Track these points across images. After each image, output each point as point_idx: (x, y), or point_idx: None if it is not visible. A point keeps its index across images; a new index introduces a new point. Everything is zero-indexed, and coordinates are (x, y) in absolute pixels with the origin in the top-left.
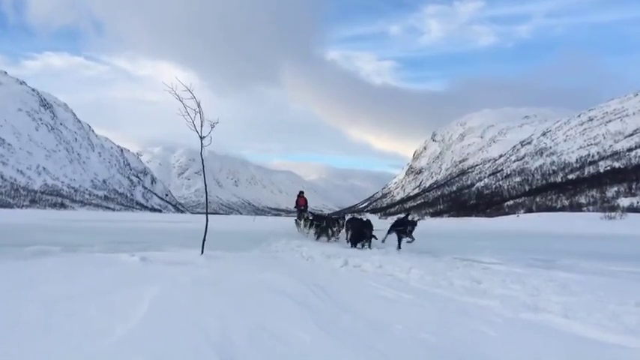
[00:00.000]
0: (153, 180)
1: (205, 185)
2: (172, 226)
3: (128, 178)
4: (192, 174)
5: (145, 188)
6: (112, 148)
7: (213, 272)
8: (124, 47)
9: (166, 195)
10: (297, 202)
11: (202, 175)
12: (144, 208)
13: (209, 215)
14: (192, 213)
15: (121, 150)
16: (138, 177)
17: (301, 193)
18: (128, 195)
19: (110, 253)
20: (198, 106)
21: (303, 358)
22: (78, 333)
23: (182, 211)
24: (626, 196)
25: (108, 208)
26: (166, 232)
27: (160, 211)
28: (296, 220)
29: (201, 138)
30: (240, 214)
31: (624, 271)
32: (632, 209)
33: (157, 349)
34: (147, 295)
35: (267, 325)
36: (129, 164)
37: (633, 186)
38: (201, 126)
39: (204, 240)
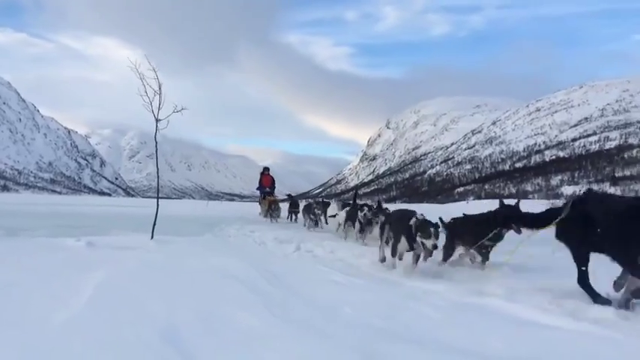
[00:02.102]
0: (102, 163)
1: (157, 169)
2: (122, 211)
3: (76, 160)
4: (143, 157)
5: (94, 171)
6: (58, 129)
7: (162, 257)
8: (70, 24)
9: (116, 179)
10: (260, 181)
11: (154, 159)
12: (92, 191)
13: (161, 200)
14: (144, 197)
15: (69, 131)
16: (86, 160)
17: (265, 170)
18: (76, 178)
19: (55, 237)
20: (160, 87)
21: (252, 342)
22: (16, 320)
23: (133, 196)
24: (569, 185)
25: (54, 191)
26: (115, 216)
27: (109, 195)
28: (260, 203)
29: (157, 120)
30: (193, 198)
31: (567, 256)
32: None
33: (100, 335)
34: (92, 280)
35: (217, 311)
36: (76, 146)
37: (576, 175)
38: (159, 108)
39: (154, 224)
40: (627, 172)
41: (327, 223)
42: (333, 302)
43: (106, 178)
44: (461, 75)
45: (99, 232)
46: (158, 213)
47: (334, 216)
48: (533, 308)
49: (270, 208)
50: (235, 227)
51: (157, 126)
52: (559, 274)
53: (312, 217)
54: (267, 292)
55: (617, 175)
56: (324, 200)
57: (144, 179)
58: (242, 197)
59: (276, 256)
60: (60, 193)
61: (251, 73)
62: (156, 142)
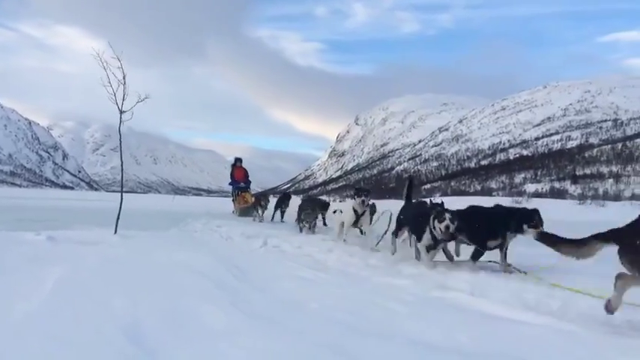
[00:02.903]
0: (64, 156)
1: (122, 162)
2: (84, 205)
3: (37, 153)
4: (107, 150)
5: (56, 164)
6: (19, 120)
7: (126, 252)
8: (32, 12)
9: (79, 172)
10: (232, 174)
11: (119, 152)
12: (54, 185)
13: (125, 194)
14: (107, 191)
15: (29, 123)
16: (48, 152)
17: (238, 161)
18: (37, 171)
19: (14, 231)
20: (124, 77)
21: (217, 339)
22: None
23: (96, 189)
24: (532, 183)
25: (14, 184)
26: (78, 210)
27: (72, 188)
28: (233, 200)
29: (121, 112)
30: (159, 193)
31: (527, 253)
32: (536, 195)
33: (60, 330)
34: (52, 275)
35: (181, 306)
36: (38, 138)
37: (539, 173)
38: (123, 99)
39: (117, 219)
40: (587, 171)
41: (325, 224)
42: (299, 298)
43: (68, 172)
44: (429, 73)
45: (60, 227)
46: (122, 207)
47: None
48: (497, 303)
49: (260, 205)
50: (202, 222)
51: (121, 117)
52: (521, 269)
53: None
54: (234, 287)
55: (577, 173)
56: (319, 199)
57: (108, 173)
58: (209, 192)
59: (243, 251)
60: (20, 186)
61: (220, 67)
62: (120, 134)
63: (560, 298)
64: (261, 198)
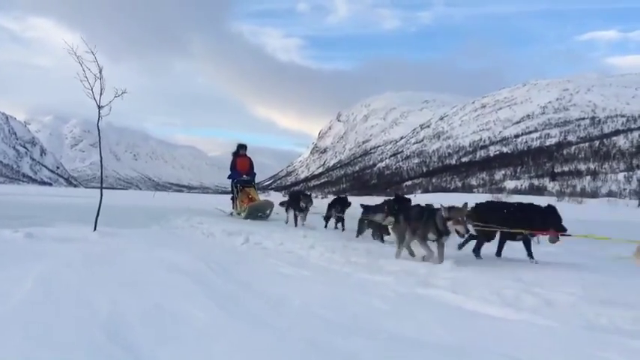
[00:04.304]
0: (42, 151)
1: (101, 158)
2: (63, 201)
3: (14, 148)
4: (86, 146)
5: (34, 160)
6: None
7: (106, 249)
8: (4, 4)
9: (57, 168)
10: (233, 165)
11: (98, 147)
12: (32, 181)
13: (105, 190)
14: (87, 187)
15: (6, 117)
16: (25, 147)
17: (241, 149)
18: (14, 167)
19: None
20: (100, 72)
21: (198, 336)
22: None
23: (75, 185)
24: (512, 179)
25: None
26: (56, 207)
27: (50, 184)
28: (232, 198)
29: (99, 107)
30: (140, 189)
31: (508, 249)
32: (516, 191)
33: (39, 329)
34: (31, 272)
35: (162, 304)
36: (15, 133)
37: (518, 170)
38: (101, 94)
39: (97, 215)
40: (565, 168)
41: (342, 228)
42: (281, 295)
43: (46, 167)
44: (410, 70)
45: (38, 223)
46: (102, 204)
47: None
48: (476, 299)
49: (298, 206)
50: (183, 219)
51: (99, 113)
52: (501, 266)
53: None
54: (215, 284)
55: (556, 170)
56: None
57: (87, 169)
58: (190, 188)
59: (225, 248)
60: None
61: (201, 62)
62: (99, 130)
63: (538, 294)
64: (302, 197)
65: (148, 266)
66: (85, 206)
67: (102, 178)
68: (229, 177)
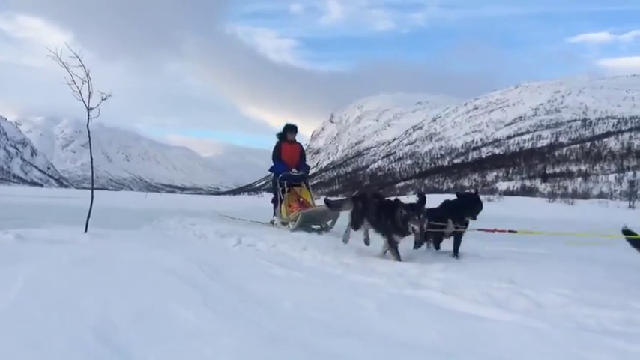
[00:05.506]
0: (33, 152)
1: (92, 159)
2: (54, 202)
3: (4, 149)
4: (78, 147)
5: (24, 160)
6: None
7: (96, 251)
8: None
9: (48, 168)
10: (276, 152)
11: (89, 148)
12: (22, 182)
13: (97, 191)
14: (78, 188)
15: None
16: (16, 148)
17: (289, 131)
18: (4, 167)
19: None
20: (87, 75)
21: (188, 338)
22: None
23: (66, 186)
24: (504, 181)
25: None
26: (47, 208)
27: (41, 185)
28: (273, 201)
29: (89, 109)
30: (132, 190)
31: (499, 250)
32: (508, 193)
33: (28, 332)
34: (20, 275)
35: (152, 306)
36: (5, 134)
37: (510, 171)
38: (89, 97)
39: (88, 217)
40: (557, 170)
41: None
42: (272, 296)
43: (37, 168)
44: (404, 71)
45: (29, 225)
46: (93, 205)
47: None
48: (467, 300)
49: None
50: (175, 220)
51: (88, 115)
52: (493, 267)
53: None
54: (206, 286)
55: (547, 172)
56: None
57: (78, 170)
58: (183, 190)
59: (217, 249)
60: None
61: (194, 63)
62: (89, 131)
63: (528, 295)
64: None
65: (139, 268)
66: (76, 207)
67: (93, 179)
68: (271, 170)
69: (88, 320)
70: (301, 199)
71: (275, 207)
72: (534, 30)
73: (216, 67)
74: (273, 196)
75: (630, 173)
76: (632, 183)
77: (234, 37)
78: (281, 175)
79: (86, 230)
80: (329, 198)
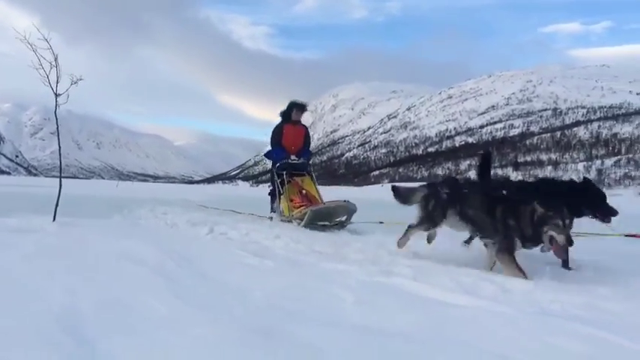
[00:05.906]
0: (1, 139)
1: (59, 147)
2: (21, 191)
3: None
4: (47, 134)
5: None
6: None
7: (64, 240)
8: None
9: (16, 156)
10: (276, 135)
11: (57, 136)
12: None
13: (67, 180)
14: (47, 177)
15: None
16: None
17: (294, 109)
18: None
19: None
20: (56, 59)
21: (156, 328)
22: None
23: (35, 175)
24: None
25: None
26: (14, 196)
27: (8, 173)
28: (271, 193)
29: (56, 95)
30: (103, 178)
31: (467, 236)
32: None
33: None
34: None
35: (120, 296)
36: None
37: None
38: (57, 82)
39: (56, 205)
40: (528, 158)
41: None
42: (244, 286)
43: (4, 156)
44: (378, 60)
45: None
46: (63, 193)
47: None
48: (437, 287)
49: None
50: (146, 209)
51: (56, 101)
52: (462, 256)
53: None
54: (176, 275)
55: (519, 160)
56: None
57: (47, 157)
58: (156, 178)
59: (188, 238)
60: None
61: (165, 48)
62: (56, 118)
63: (495, 282)
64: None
65: (107, 257)
66: (44, 196)
67: (60, 167)
68: (267, 156)
69: (52, 311)
70: (304, 191)
71: (273, 201)
72: (507, 19)
73: (189, 54)
74: (270, 187)
75: (598, 162)
76: (600, 171)
77: (207, 22)
78: (279, 164)
79: (54, 219)
80: (397, 184)
